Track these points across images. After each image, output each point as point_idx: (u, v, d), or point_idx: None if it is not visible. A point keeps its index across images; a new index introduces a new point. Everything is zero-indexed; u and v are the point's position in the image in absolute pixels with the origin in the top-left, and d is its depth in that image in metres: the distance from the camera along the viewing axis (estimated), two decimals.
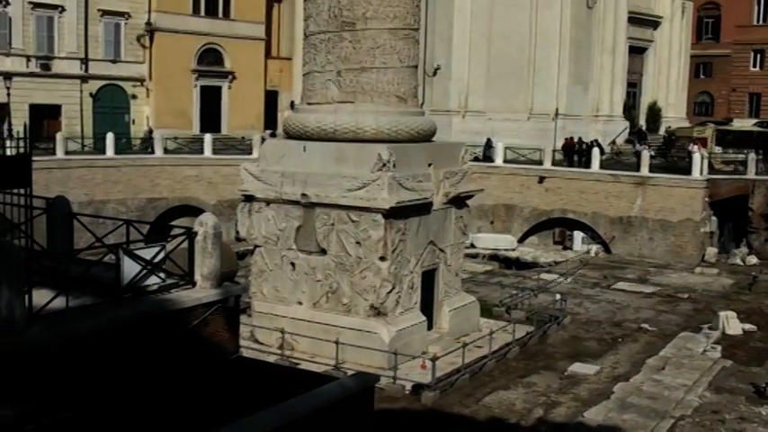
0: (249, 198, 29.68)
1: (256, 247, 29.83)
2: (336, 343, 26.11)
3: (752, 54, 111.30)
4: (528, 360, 29.01)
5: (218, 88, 64.06)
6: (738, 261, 48.49)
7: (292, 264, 28.94)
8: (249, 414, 10.52)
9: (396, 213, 27.03)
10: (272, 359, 25.52)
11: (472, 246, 46.42)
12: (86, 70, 57.39)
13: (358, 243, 27.37)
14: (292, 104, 57.44)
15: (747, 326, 34.14)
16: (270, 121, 65.75)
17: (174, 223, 42.12)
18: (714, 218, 50.03)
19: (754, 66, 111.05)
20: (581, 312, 35.58)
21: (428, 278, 29.48)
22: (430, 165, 29.11)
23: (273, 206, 29.10)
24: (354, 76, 28.74)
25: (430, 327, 29.42)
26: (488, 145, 54.43)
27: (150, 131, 56.25)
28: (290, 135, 30.30)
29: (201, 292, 13.41)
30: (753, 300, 39.72)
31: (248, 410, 10.64)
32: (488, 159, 53.14)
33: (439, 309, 30.16)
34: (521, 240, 50.69)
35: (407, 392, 24.93)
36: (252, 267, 30.37)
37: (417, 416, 23.54)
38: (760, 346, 32.01)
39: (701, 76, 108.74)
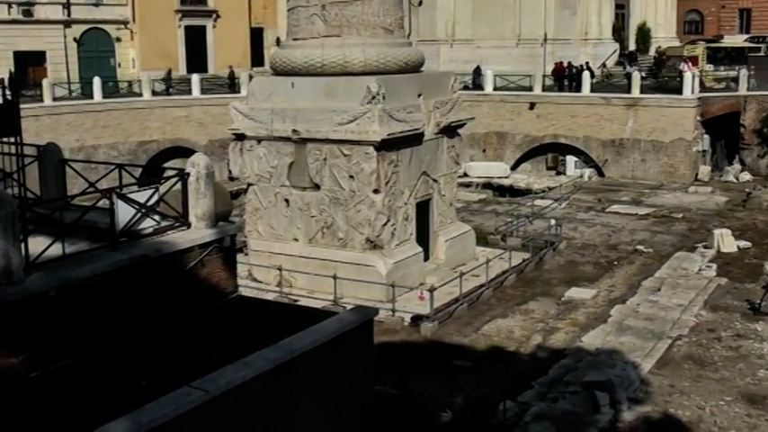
0: (240, 137, 29.56)
1: (250, 185, 29.81)
2: (334, 278, 26.20)
3: None
4: (525, 287, 29.20)
5: (203, 28, 63.53)
6: (732, 178, 48.60)
7: (286, 200, 28.94)
8: (251, 352, 10.58)
9: (387, 145, 26.97)
10: (270, 297, 25.67)
11: (465, 175, 46.38)
12: (69, 15, 56.82)
13: (351, 177, 27.35)
14: (278, 41, 56.98)
15: (742, 243, 34.35)
16: (257, 58, 65.27)
17: (166, 165, 41.97)
18: (706, 136, 50.03)
19: None
20: (576, 237, 35.72)
21: (422, 209, 29.53)
22: (420, 95, 28.98)
23: (265, 144, 29.01)
24: (340, 9, 28.45)
25: (426, 258, 29.53)
26: (477, 73, 54.15)
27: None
28: (277, 71, 30.09)
29: (197, 232, 13.41)
30: (747, 216, 39.92)
31: (250, 349, 10.70)
32: (478, 87, 52.91)
33: (434, 239, 30.24)
34: (513, 167, 50.64)
35: (406, 324, 25.12)
36: (246, 206, 30.39)
37: (417, 347, 23.74)
38: (755, 263, 32.22)
39: None
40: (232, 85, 53.09)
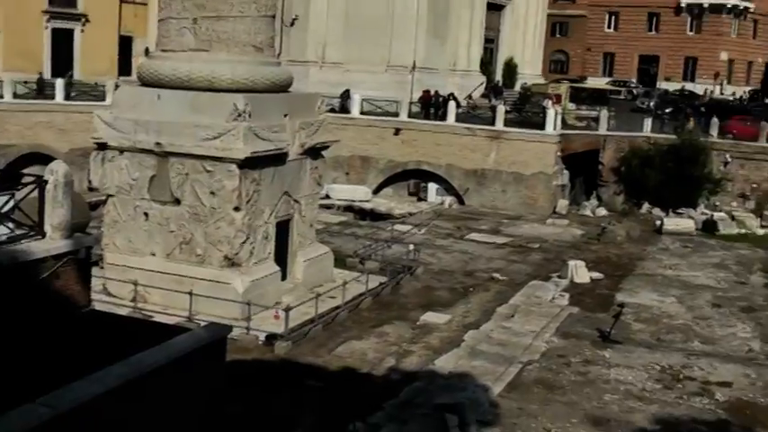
0: (102, 146, 29.06)
1: (109, 196, 29.30)
2: (190, 294, 25.97)
3: (607, 15, 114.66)
4: (381, 310, 29.48)
5: (71, 31, 62.10)
6: (588, 213, 50.24)
7: (146, 214, 28.56)
8: (101, 368, 10.48)
9: (251, 163, 26.96)
10: (124, 312, 25.21)
11: (327, 197, 46.60)
12: None
13: (212, 193, 27.19)
14: (147, 51, 56.21)
15: (595, 274, 35.53)
16: (124, 67, 64.21)
17: (24, 171, 40.80)
18: (566, 171, 51.60)
19: (609, 27, 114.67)
20: (434, 263, 36.27)
21: (282, 229, 29.57)
22: (286, 115, 29.08)
23: (127, 155, 28.57)
24: (210, 24, 28.36)
25: (284, 277, 29.57)
26: (346, 96, 54.53)
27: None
28: (144, 82, 29.74)
29: (51, 243, 13.18)
30: (601, 249, 41.30)
31: (99, 365, 10.59)
32: (345, 111, 53.25)
33: (293, 259, 30.31)
34: (376, 192, 51.14)
35: (261, 343, 25.05)
36: (104, 218, 29.80)
37: (270, 366, 23.71)
38: (606, 293, 33.39)
39: (558, 35, 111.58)
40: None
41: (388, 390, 22.21)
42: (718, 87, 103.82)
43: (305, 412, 20.66)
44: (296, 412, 20.61)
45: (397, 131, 51.50)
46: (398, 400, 21.50)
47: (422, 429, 19.76)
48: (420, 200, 50.88)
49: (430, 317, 28.88)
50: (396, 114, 52.53)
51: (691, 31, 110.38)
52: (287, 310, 25.29)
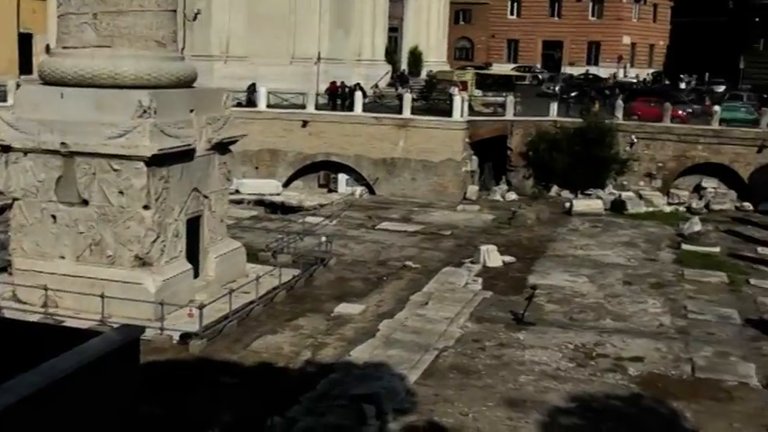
0: (5, 148, 28.31)
1: (15, 200, 28.64)
2: (102, 297, 25.58)
3: (509, 2, 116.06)
4: (295, 303, 29.44)
5: None
6: (498, 198, 50.88)
7: (53, 216, 27.97)
8: (12, 377, 10.28)
9: (158, 161, 26.61)
10: (35, 318, 24.73)
11: (237, 192, 46.27)
12: None
13: (121, 192, 26.77)
14: (48, 48, 55.08)
15: (507, 258, 36.02)
16: (25, 65, 62.75)
17: None
18: (475, 157, 52.19)
19: (512, 13, 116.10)
20: (346, 253, 36.34)
21: (193, 226, 29.26)
22: (192, 111, 28.78)
23: (32, 156, 27.89)
24: (111, 19, 27.84)
25: (196, 275, 29.31)
26: (252, 90, 54.21)
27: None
28: (46, 81, 29.06)
29: None
30: (512, 233, 41.88)
31: (10, 374, 10.39)
32: (252, 104, 53.01)
33: (205, 256, 30.06)
34: (286, 185, 50.97)
35: (175, 342, 24.80)
36: (11, 222, 29.15)
37: (185, 365, 23.50)
38: (518, 276, 33.91)
39: (461, 23, 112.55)
40: None
41: (305, 383, 22.20)
42: (621, 70, 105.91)
43: (221, 410, 20.55)
44: (212, 410, 20.48)
45: (305, 124, 51.43)
46: (315, 393, 21.50)
47: (339, 421, 19.80)
48: (330, 191, 50.90)
49: (344, 308, 28.95)
50: (303, 107, 52.44)
51: (593, 16, 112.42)
52: (200, 307, 25.10)
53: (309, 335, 26.30)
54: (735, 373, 24.41)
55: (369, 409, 20.04)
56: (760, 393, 23.18)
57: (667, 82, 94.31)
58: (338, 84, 56.42)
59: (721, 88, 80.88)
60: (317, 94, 54.05)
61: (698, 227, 42.31)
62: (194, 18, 63.39)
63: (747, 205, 50.78)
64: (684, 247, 39.71)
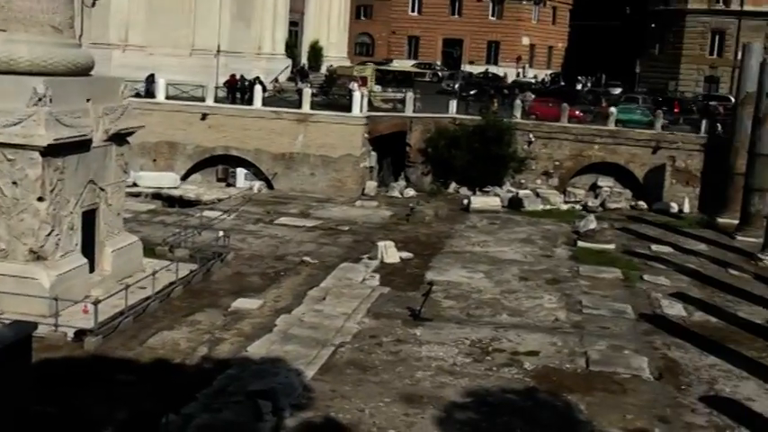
0: None
1: None
2: None
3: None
4: (192, 299, 29.12)
5: None
6: (397, 194, 51.08)
7: None
8: None
9: (54, 151, 25.96)
10: None
11: (134, 184, 45.65)
12: None
13: (14, 183, 26.00)
14: None
15: (405, 254, 36.23)
16: None
17: None
18: (374, 153, 52.33)
19: (413, 10, 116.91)
20: (244, 248, 36.09)
21: (89, 219, 28.66)
22: (89, 100, 28.15)
23: None
24: (6, 2, 27.01)
25: (92, 269, 28.74)
26: (150, 81, 53.36)
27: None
28: None
29: None
30: (410, 229, 42.15)
31: None
32: (150, 95, 52.21)
33: (101, 250, 29.47)
34: (184, 178, 50.38)
35: (70, 339, 24.24)
36: None
37: (80, 363, 23.01)
38: (416, 272, 34.13)
39: (362, 18, 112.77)
40: None
41: (202, 379, 21.98)
42: (520, 71, 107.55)
43: (117, 408, 20.20)
44: (108, 409, 20.11)
45: (204, 117, 50.90)
46: (211, 389, 21.30)
47: (235, 417, 19.66)
48: (229, 185, 50.52)
49: (242, 303, 28.74)
50: (202, 99, 51.90)
51: (493, 16, 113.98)
52: (96, 303, 24.61)
53: (206, 330, 26.04)
54: (628, 366, 25.01)
55: (265, 405, 19.95)
56: (652, 385, 23.82)
57: (562, 83, 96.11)
58: (238, 77, 55.99)
59: (618, 90, 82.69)
60: (217, 87, 53.56)
61: (593, 224, 43.18)
62: (93, 4, 62.07)
63: (642, 204, 52.23)
64: (580, 244, 40.50)
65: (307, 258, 35.04)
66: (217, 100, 52.36)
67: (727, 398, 23.33)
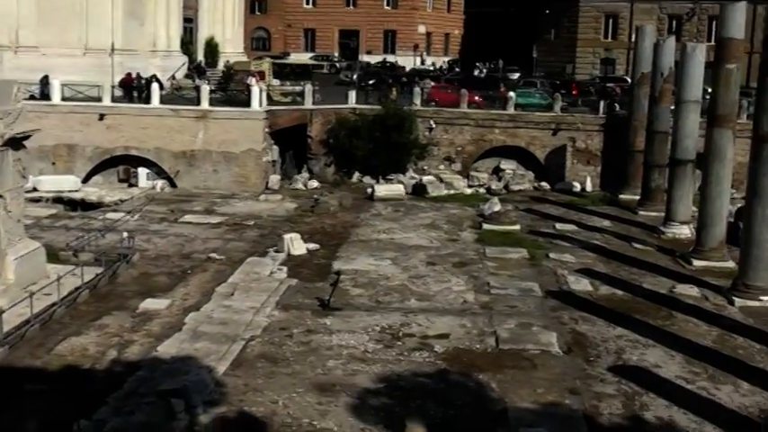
0: None
1: None
2: None
3: None
4: (99, 302, 28.77)
5: None
6: (301, 186, 51.11)
7: None
8: None
9: None
10: None
11: (34, 189, 44.76)
12: None
13: None
14: None
15: (311, 245, 36.37)
16: None
17: None
18: (275, 147, 52.25)
19: (308, 3, 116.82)
20: (150, 248, 35.74)
21: None
22: None
23: None
24: None
25: None
26: (45, 82, 52.28)
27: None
28: None
29: None
30: (315, 221, 42.27)
31: None
32: (46, 97, 51.16)
33: (2, 258, 28.87)
34: (85, 180, 49.47)
35: None
36: None
37: None
38: (323, 263, 34.29)
39: (257, 13, 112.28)
40: None
41: (112, 383, 21.78)
42: (418, 59, 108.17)
43: (27, 418, 19.90)
44: (17, 419, 19.81)
45: (102, 117, 50.11)
46: (122, 392, 21.13)
47: (148, 419, 19.55)
48: (131, 186, 49.82)
49: (150, 303, 28.52)
50: (99, 99, 51.03)
51: (388, 5, 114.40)
52: (0, 313, 24.14)
53: (115, 333, 25.79)
54: (537, 342, 25.61)
55: (177, 403, 19.85)
56: (561, 359, 24.46)
57: (457, 69, 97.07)
58: (134, 75, 55.26)
59: (516, 75, 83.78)
60: (113, 87, 52.81)
61: (498, 207, 43.71)
62: None
63: (544, 185, 53.29)
64: (485, 226, 41.01)
65: (213, 255, 34.90)
66: (114, 99, 51.59)
67: (635, 366, 24.12)
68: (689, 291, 31.61)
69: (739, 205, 38.48)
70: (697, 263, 35.23)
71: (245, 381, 22.07)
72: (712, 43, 40.54)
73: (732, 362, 24.67)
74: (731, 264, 34.32)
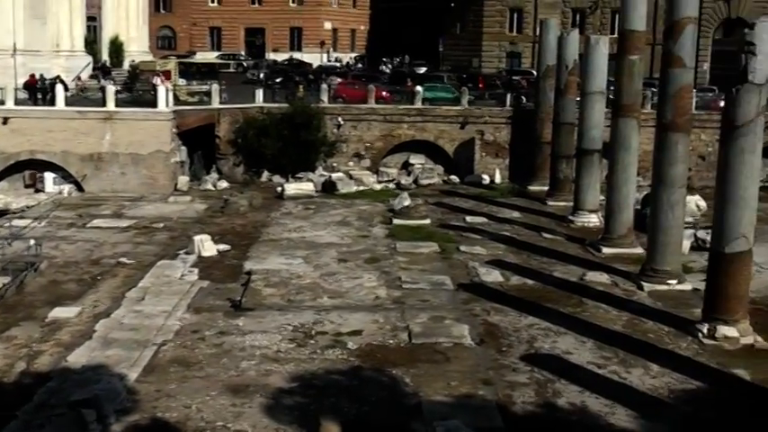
0: None
1: None
2: None
3: None
4: (6, 313, 28.11)
5: None
6: (210, 187, 50.79)
7: None
8: None
9: None
10: None
11: None
12: None
13: None
14: None
15: (222, 246, 36.21)
16: None
17: None
18: (184, 147, 51.87)
19: (213, 1, 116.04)
20: (58, 255, 35.13)
21: None
22: None
23: None
24: None
25: None
26: None
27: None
28: None
29: None
30: (226, 221, 42.12)
31: None
32: None
33: None
34: None
35: None
36: None
37: None
38: (234, 263, 34.20)
39: (162, 11, 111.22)
40: None
41: (22, 395, 21.41)
42: (325, 55, 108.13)
43: None
44: None
45: (6, 121, 49.09)
46: (32, 405, 20.79)
47: (59, 431, 19.29)
48: (38, 191, 48.92)
49: (59, 312, 28.05)
50: (2, 102, 50.01)
51: (293, 2, 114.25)
52: None
53: (24, 344, 25.30)
54: (449, 335, 25.96)
55: (88, 413, 19.60)
56: (474, 351, 24.85)
57: (360, 65, 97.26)
58: (38, 77, 54.25)
59: (423, 70, 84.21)
60: (16, 89, 51.77)
61: (407, 202, 44.11)
62: None
63: (454, 178, 53.90)
64: (396, 221, 41.33)
65: (123, 259, 34.50)
66: (17, 102, 50.57)
67: (547, 354, 24.66)
68: (599, 278, 32.33)
69: (645, 192, 39.36)
70: (606, 250, 36.04)
71: (158, 386, 21.91)
72: (615, 35, 41.26)
73: (642, 345, 25.40)
74: (639, 250, 35.24)
